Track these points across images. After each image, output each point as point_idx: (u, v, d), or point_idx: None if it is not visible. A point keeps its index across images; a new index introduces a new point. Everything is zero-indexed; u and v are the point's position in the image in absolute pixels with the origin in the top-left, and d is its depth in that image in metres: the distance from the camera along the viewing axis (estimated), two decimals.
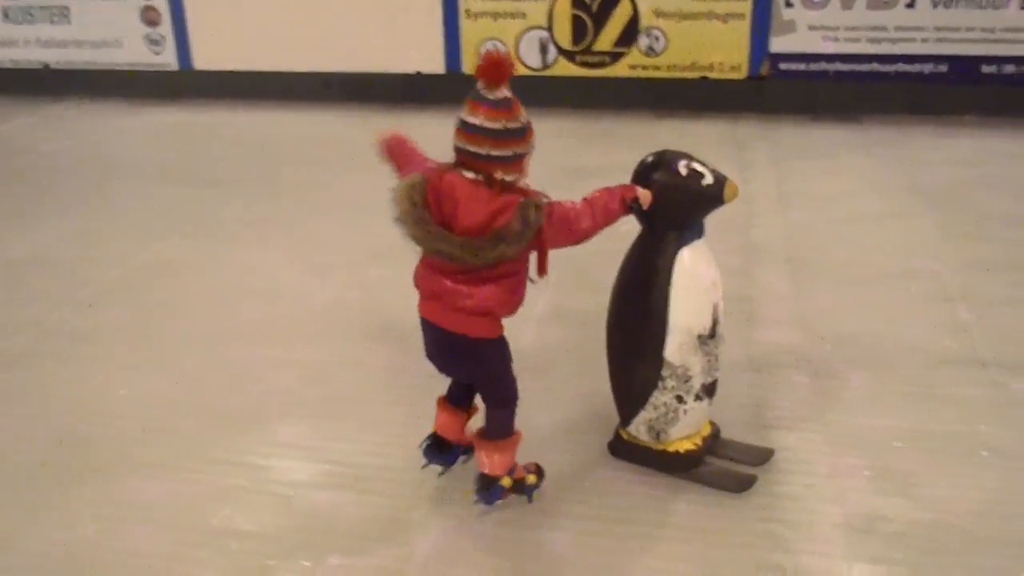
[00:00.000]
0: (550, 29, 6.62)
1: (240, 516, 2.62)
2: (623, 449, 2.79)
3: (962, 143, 5.82)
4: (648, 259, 2.55)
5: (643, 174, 2.50)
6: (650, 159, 2.53)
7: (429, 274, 2.40)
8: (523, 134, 2.26)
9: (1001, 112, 6.26)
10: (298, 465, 2.85)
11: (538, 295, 3.17)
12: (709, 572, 2.37)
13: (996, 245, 4.26)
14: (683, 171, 2.45)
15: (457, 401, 2.70)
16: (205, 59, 7.32)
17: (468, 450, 2.73)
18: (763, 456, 2.77)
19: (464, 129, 2.27)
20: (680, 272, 2.51)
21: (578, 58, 6.68)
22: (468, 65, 6.77)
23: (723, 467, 2.72)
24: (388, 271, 3.96)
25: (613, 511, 2.60)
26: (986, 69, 6.26)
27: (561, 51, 6.68)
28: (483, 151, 2.24)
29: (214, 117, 7.11)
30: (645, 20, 6.51)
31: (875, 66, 6.39)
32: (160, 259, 4.42)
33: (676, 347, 2.54)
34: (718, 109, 6.55)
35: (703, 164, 2.49)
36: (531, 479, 2.63)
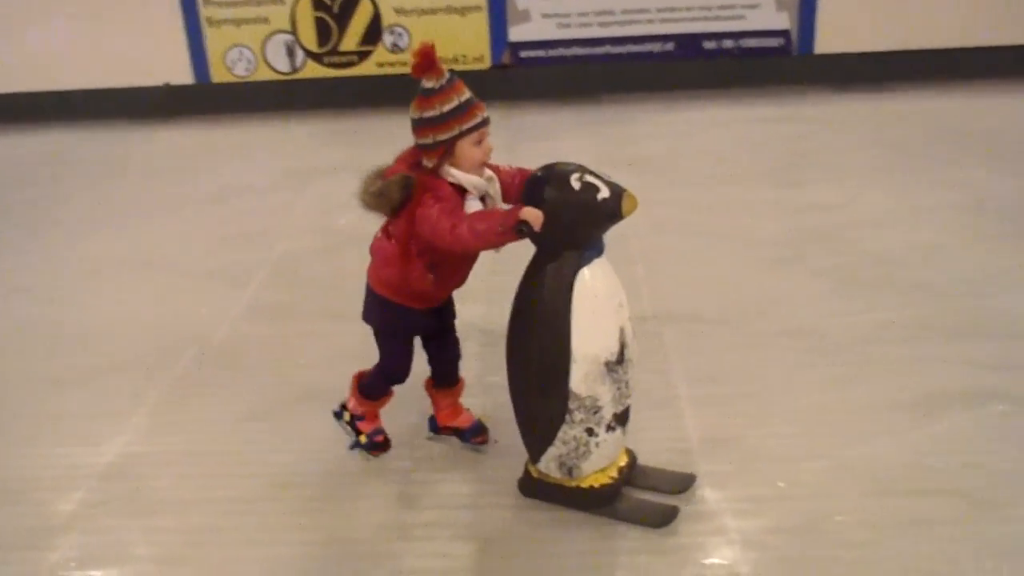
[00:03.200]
0: (294, 32, 6.67)
1: None
2: (534, 487, 2.59)
3: (681, 115, 6.22)
4: (545, 282, 2.33)
5: (533, 191, 2.30)
6: (539, 174, 2.33)
7: None
8: (440, 121, 2.31)
9: (725, 84, 6.73)
10: None
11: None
12: None
13: (683, 207, 4.61)
14: (575, 185, 2.25)
15: (436, 381, 2.83)
16: None
17: (458, 433, 2.85)
18: (684, 483, 2.59)
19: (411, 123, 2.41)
20: (581, 295, 2.30)
21: (326, 59, 6.75)
22: (216, 74, 6.75)
23: (641, 500, 2.55)
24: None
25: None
26: (707, 45, 6.71)
27: (308, 53, 6.73)
28: (415, 139, 2.38)
29: None
30: (387, 18, 6.64)
31: (608, 48, 6.73)
32: None
33: (581, 377, 2.33)
34: None
35: (598, 176, 2.29)
36: (363, 438, 2.81)
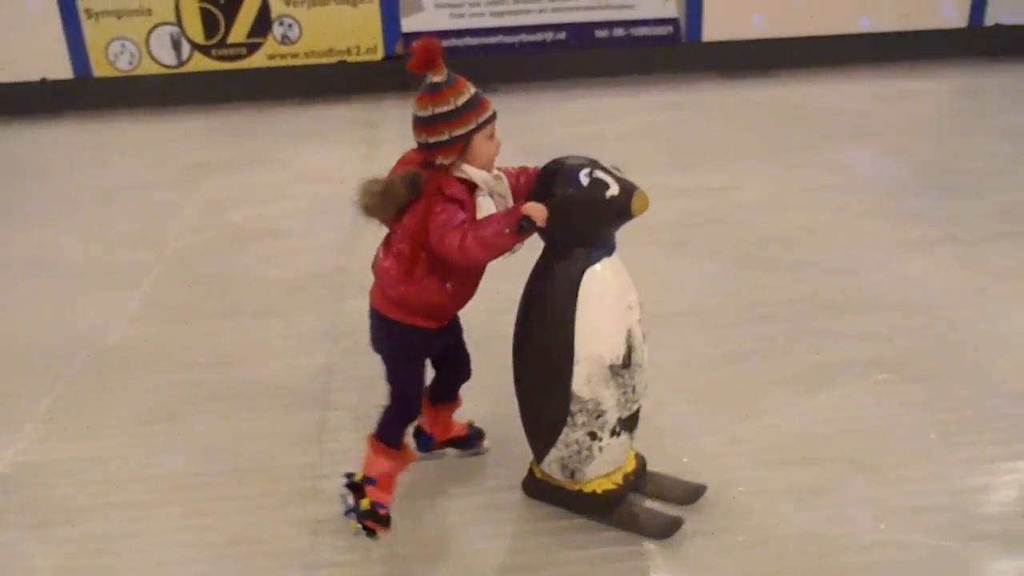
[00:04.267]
0: (179, 24, 6.49)
1: None
2: (537, 488, 2.52)
3: (575, 104, 6.31)
4: (551, 281, 2.26)
5: (541, 186, 2.22)
6: (548, 168, 2.25)
7: None
8: (456, 116, 2.19)
9: (617, 72, 6.84)
10: None
11: None
12: None
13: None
14: (584, 181, 2.17)
15: (437, 396, 2.63)
16: None
17: (458, 443, 2.72)
18: (694, 493, 2.51)
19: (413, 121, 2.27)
20: (587, 295, 2.23)
21: (214, 52, 6.59)
22: (98, 68, 6.51)
23: (644, 509, 2.46)
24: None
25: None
26: (599, 34, 6.82)
27: (195, 46, 6.56)
28: (421, 139, 2.23)
29: None
30: (276, 9, 6.53)
31: (502, 38, 6.77)
32: None
33: (584, 379, 2.25)
34: (359, 91, 6.70)
35: (609, 172, 2.21)
36: (365, 503, 2.42)
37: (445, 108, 2.18)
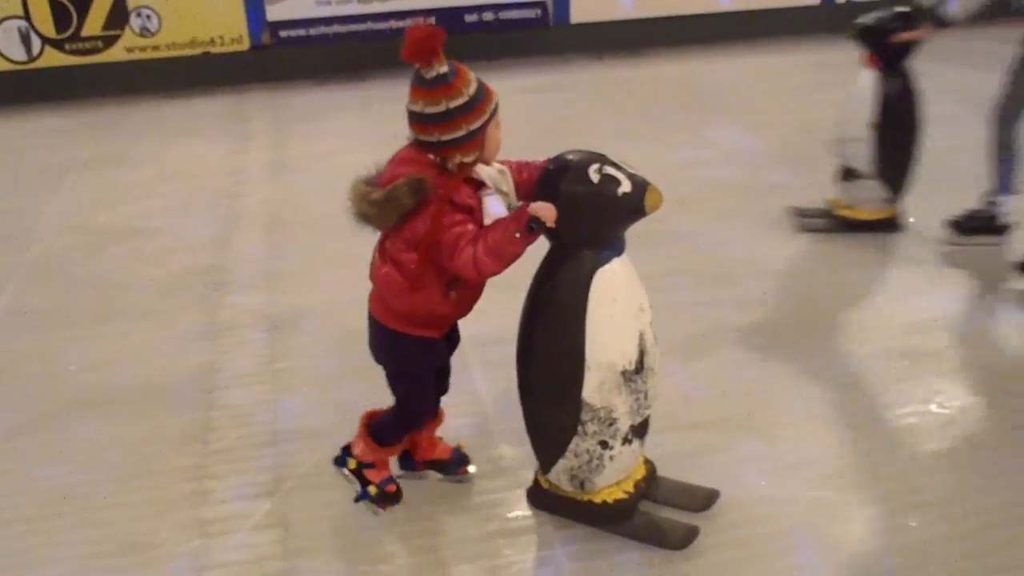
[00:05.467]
0: (27, 17, 6.14)
1: None
2: (543, 499, 2.41)
3: None
4: (559, 283, 2.13)
5: (548, 183, 2.09)
6: (554, 165, 2.11)
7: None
8: (470, 108, 2.02)
9: (488, 57, 6.85)
10: None
11: None
12: None
13: None
14: (594, 178, 2.05)
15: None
16: None
17: (441, 466, 2.56)
18: (707, 500, 2.41)
19: (410, 118, 2.06)
20: (598, 298, 2.10)
21: (67, 46, 6.27)
22: None
23: (658, 519, 2.36)
24: None
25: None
26: (469, 18, 6.82)
27: (46, 40, 6.23)
28: (432, 138, 2.03)
29: None
30: (132, 0, 6.27)
31: (370, 25, 6.69)
32: None
33: (596, 386, 2.14)
34: (226, 83, 6.51)
35: (619, 167, 2.10)
36: (372, 489, 2.42)
37: (460, 100, 2.01)
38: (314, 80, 6.64)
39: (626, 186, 2.07)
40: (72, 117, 6.09)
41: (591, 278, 2.10)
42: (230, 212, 4.42)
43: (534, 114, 5.66)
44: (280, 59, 6.63)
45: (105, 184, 4.90)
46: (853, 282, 3.60)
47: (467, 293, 2.20)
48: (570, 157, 2.10)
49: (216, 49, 6.49)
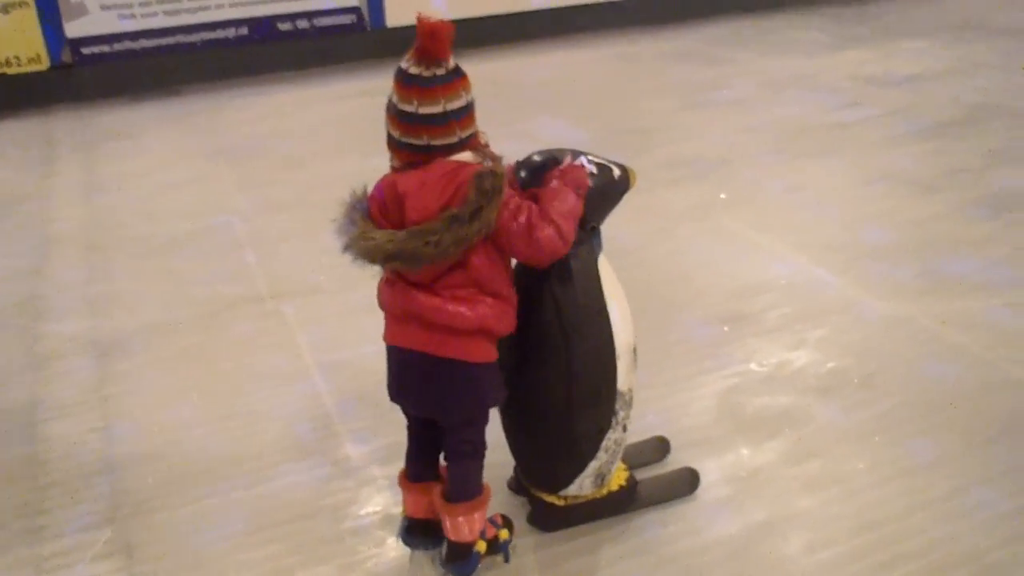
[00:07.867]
0: None
1: None
2: (560, 517, 2.26)
3: (266, 99, 6.20)
4: (573, 281, 2.04)
5: (535, 180, 2.02)
6: (541, 159, 2.06)
7: (398, 291, 1.92)
8: (467, 113, 1.90)
9: (305, 64, 6.79)
10: None
11: None
12: None
13: (284, 187, 4.63)
14: (592, 168, 2.06)
15: (420, 476, 2.19)
16: None
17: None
18: (662, 449, 2.50)
19: (399, 118, 1.88)
20: (608, 285, 2.08)
21: None
22: None
23: (657, 478, 2.37)
24: None
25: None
26: (283, 27, 6.71)
27: None
28: (421, 141, 1.87)
29: None
30: None
31: (180, 38, 6.47)
32: None
33: (624, 372, 2.10)
34: (29, 105, 6.17)
35: (593, 156, 2.11)
36: (503, 534, 2.20)
37: (459, 103, 1.89)
38: (125, 97, 6.37)
39: (616, 171, 2.11)
40: None
41: (596, 267, 2.10)
42: (42, 239, 4.19)
43: (353, 119, 5.65)
44: (85, 77, 6.32)
45: None
46: (674, 254, 3.78)
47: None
48: (555, 155, 2.09)
49: (13, 70, 6.12)
